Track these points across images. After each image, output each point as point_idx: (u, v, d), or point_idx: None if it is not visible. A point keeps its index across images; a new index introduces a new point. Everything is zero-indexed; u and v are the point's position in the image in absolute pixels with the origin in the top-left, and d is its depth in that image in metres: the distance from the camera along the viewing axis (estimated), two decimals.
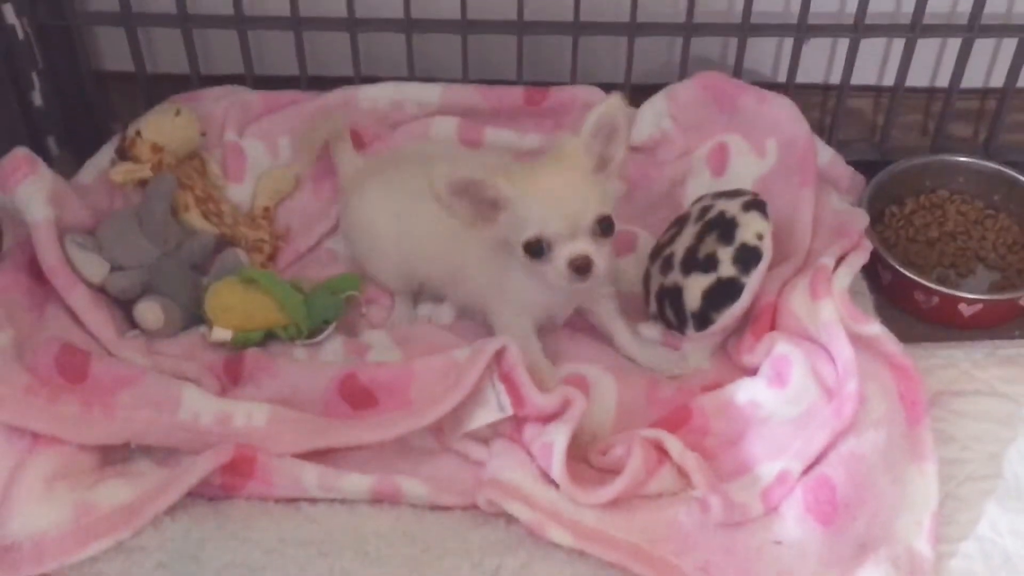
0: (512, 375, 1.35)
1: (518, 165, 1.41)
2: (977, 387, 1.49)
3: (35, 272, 1.47)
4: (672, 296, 1.49)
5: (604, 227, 1.36)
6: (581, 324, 1.56)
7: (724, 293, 1.45)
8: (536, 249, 1.36)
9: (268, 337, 1.53)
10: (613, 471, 1.32)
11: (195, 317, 1.54)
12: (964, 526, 1.34)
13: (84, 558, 1.24)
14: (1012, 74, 1.78)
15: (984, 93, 1.87)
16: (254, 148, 1.73)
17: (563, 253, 1.35)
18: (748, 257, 1.44)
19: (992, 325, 1.62)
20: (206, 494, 1.32)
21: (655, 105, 1.72)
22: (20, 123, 1.72)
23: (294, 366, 1.46)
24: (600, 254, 1.36)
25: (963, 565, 1.31)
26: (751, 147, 1.68)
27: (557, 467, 1.29)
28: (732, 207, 1.48)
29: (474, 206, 1.37)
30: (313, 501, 1.33)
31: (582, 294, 1.48)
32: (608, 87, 1.73)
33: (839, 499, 1.27)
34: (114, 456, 1.36)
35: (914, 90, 1.84)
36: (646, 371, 1.50)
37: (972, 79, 1.81)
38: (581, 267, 1.35)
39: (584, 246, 1.35)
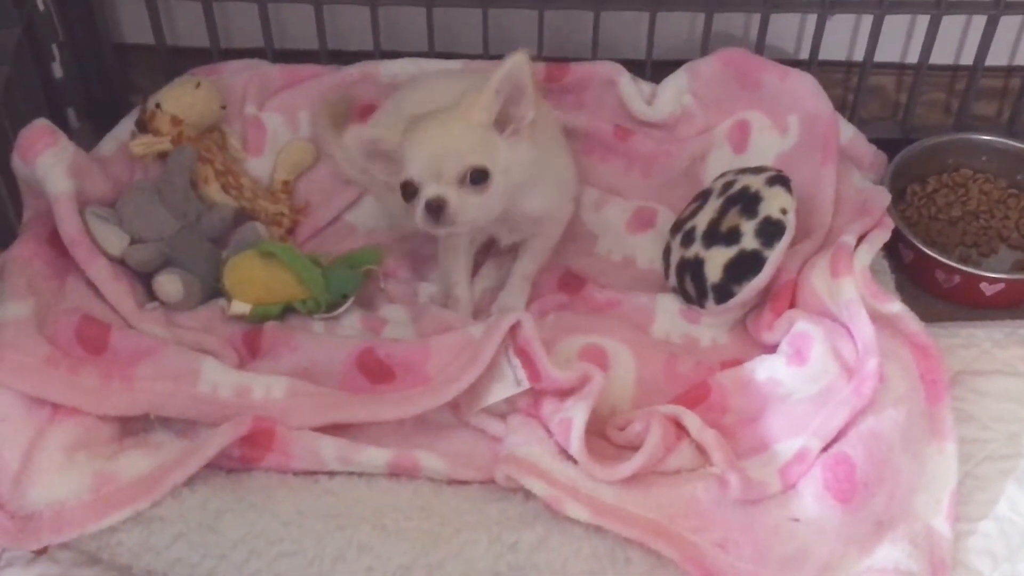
0: (528, 349, 1.35)
1: (419, 116, 1.43)
2: (998, 367, 1.48)
3: (56, 243, 1.47)
4: (693, 269, 1.49)
5: (475, 177, 1.37)
6: (599, 300, 1.55)
7: (746, 266, 1.44)
8: (408, 191, 1.39)
9: (287, 311, 1.53)
10: (631, 447, 1.32)
11: (214, 290, 1.54)
12: (983, 505, 1.34)
13: (103, 528, 1.24)
14: None
15: (1009, 71, 1.86)
16: (274, 122, 1.73)
17: (423, 195, 1.37)
18: (771, 230, 1.43)
19: (1014, 305, 1.61)
20: (225, 466, 1.32)
21: (676, 81, 1.71)
22: (40, 95, 1.72)
23: (312, 340, 1.46)
24: (466, 203, 1.37)
25: (981, 544, 1.31)
26: (773, 124, 1.67)
27: (576, 443, 1.29)
28: (756, 182, 1.48)
29: (386, 163, 1.42)
30: (331, 474, 1.33)
31: (513, 220, 1.49)
32: (629, 63, 1.73)
33: (858, 477, 1.26)
34: (133, 427, 1.36)
35: (938, 68, 1.83)
36: (664, 347, 1.50)
37: (997, 57, 1.80)
38: (433, 209, 1.37)
39: (442, 190, 1.37)
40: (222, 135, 1.69)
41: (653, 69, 1.79)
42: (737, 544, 1.25)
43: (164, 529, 1.25)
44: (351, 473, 1.33)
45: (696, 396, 1.40)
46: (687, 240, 1.52)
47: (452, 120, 1.40)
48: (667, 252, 1.57)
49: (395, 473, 1.33)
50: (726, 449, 1.31)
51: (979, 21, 1.75)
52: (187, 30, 1.84)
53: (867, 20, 1.76)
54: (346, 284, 1.54)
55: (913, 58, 1.80)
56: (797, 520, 1.26)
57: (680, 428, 1.34)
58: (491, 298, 1.59)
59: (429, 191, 1.37)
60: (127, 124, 1.67)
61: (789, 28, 1.83)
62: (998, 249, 1.71)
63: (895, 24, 1.78)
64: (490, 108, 1.39)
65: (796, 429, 1.33)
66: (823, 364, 1.37)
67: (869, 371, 1.31)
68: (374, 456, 1.32)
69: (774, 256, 1.44)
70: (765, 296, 1.49)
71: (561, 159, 1.56)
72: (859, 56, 1.80)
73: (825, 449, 1.30)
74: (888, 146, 1.73)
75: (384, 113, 1.65)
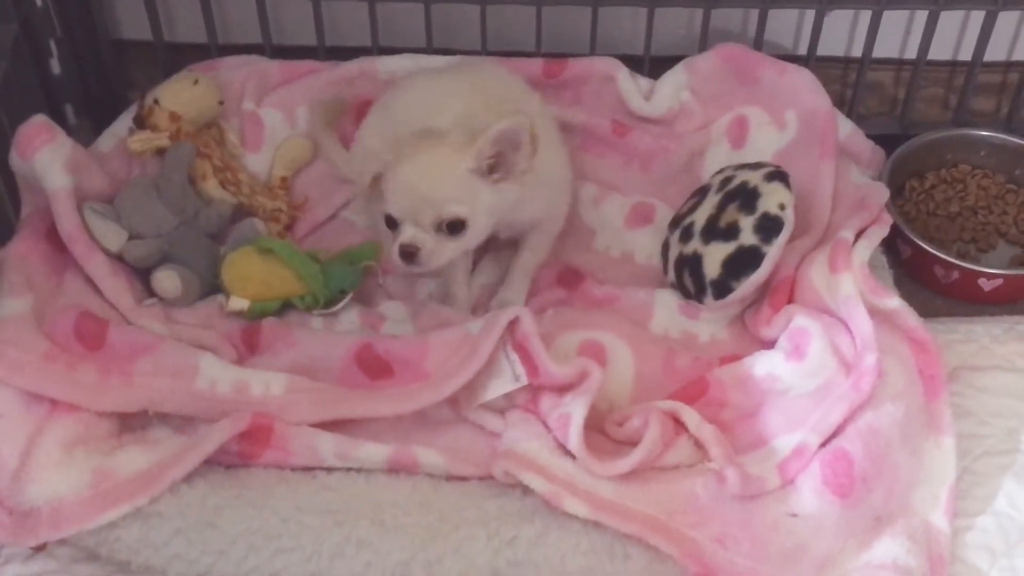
0: (526, 345, 1.35)
1: (415, 138, 1.43)
2: (996, 362, 1.48)
3: (54, 239, 1.47)
4: (691, 264, 1.49)
5: (451, 228, 1.39)
6: (597, 295, 1.55)
7: (744, 262, 1.45)
8: (390, 223, 1.41)
9: (285, 307, 1.53)
10: (630, 443, 1.32)
11: (212, 286, 1.54)
12: (981, 501, 1.34)
13: (102, 524, 1.25)
14: None
15: (1007, 66, 1.85)
16: (272, 117, 1.73)
17: (400, 236, 1.39)
18: (770, 226, 1.43)
19: (1012, 300, 1.61)
20: (223, 462, 1.32)
21: (674, 77, 1.71)
22: (38, 91, 1.72)
23: (311, 335, 1.46)
24: (440, 248, 1.39)
25: (980, 539, 1.31)
26: (771, 120, 1.67)
27: (574, 439, 1.29)
28: (754, 178, 1.48)
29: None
30: (330, 470, 1.33)
31: (507, 220, 1.49)
32: (628, 59, 1.73)
33: (856, 472, 1.26)
34: (132, 423, 1.36)
35: (936, 63, 1.83)
36: (663, 342, 1.50)
37: (995, 52, 1.80)
38: (406, 254, 1.39)
39: (416, 235, 1.38)
40: (220, 131, 1.69)
41: (651, 65, 1.79)
42: (735, 540, 1.25)
43: (163, 525, 1.25)
44: (350, 469, 1.33)
45: (694, 392, 1.40)
46: (686, 236, 1.52)
47: (437, 161, 1.39)
48: (666, 248, 1.57)
49: (394, 469, 1.34)
50: (724, 445, 1.31)
51: (977, 16, 1.75)
52: (185, 26, 1.84)
53: (865, 15, 1.76)
54: (344, 280, 1.54)
55: (911, 54, 1.80)
56: (795, 516, 1.26)
57: (678, 424, 1.34)
58: (490, 293, 1.59)
59: (405, 234, 1.39)
60: (125, 120, 1.67)
61: (787, 24, 1.82)
62: (996, 245, 1.71)
63: (893, 19, 1.78)
64: (482, 157, 1.39)
65: (794, 425, 1.33)
66: (821, 360, 1.37)
67: (867, 366, 1.31)
68: (373, 452, 1.32)
69: (773, 252, 1.44)
70: (764, 292, 1.49)
71: (554, 159, 1.55)
72: (857, 52, 1.80)
73: (823, 445, 1.30)
74: (886, 142, 1.73)
75: (372, 120, 1.64)
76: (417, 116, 1.49)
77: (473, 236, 1.43)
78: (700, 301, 1.51)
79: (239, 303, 1.49)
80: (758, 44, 1.77)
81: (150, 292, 1.52)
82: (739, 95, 1.70)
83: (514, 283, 1.57)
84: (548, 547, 1.24)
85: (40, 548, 1.27)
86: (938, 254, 1.60)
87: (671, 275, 1.55)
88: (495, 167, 1.40)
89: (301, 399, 1.36)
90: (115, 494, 1.26)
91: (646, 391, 1.42)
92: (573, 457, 1.30)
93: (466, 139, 1.39)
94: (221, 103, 1.68)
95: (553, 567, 1.24)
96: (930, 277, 1.62)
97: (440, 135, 1.42)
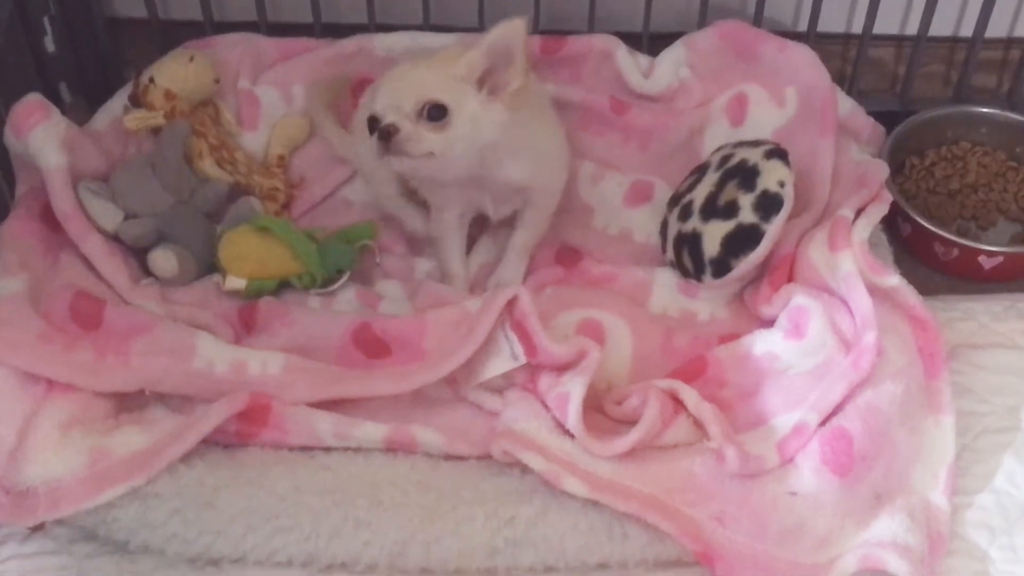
0: (524, 324, 1.34)
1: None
2: (996, 340, 1.48)
3: (49, 219, 1.46)
4: (690, 243, 1.49)
5: (432, 113, 1.37)
6: (596, 274, 1.55)
7: (744, 240, 1.44)
8: (372, 126, 1.39)
9: (282, 286, 1.52)
10: (628, 422, 1.32)
11: (209, 265, 1.53)
12: (980, 478, 1.34)
13: (99, 504, 1.24)
14: None
15: (1008, 43, 1.85)
16: (268, 96, 1.72)
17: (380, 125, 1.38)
18: (769, 204, 1.43)
19: (1012, 278, 1.61)
20: (221, 442, 1.32)
21: (673, 54, 1.70)
22: (32, 69, 1.71)
23: (308, 315, 1.46)
24: (419, 134, 1.37)
25: (979, 517, 1.31)
26: (770, 96, 1.66)
27: (573, 418, 1.28)
28: (754, 155, 1.47)
29: None
30: (328, 450, 1.33)
31: (495, 188, 1.49)
32: (626, 36, 1.72)
33: (855, 451, 1.26)
34: (129, 403, 1.36)
35: (937, 39, 1.82)
36: (662, 321, 1.49)
37: (996, 29, 1.79)
38: (384, 134, 1.36)
39: (395, 118, 1.37)
40: (216, 109, 1.68)
41: (650, 42, 1.78)
42: (735, 518, 1.25)
43: (160, 505, 1.25)
44: (348, 449, 1.33)
45: (693, 370, 1.40)
46: (685, 214, 1.51)
47: (425, 65, 1.41)
48: (664, 226, 1.57)
49: (392, 448, 1.33)
50: (723, 423, 1.30)
51: None
52: (180, 3, 1.83)
53: None
54: (342, 259, 1.53)
55: (912, 30, 1.79)
56: (794, 494, 1.26)
57: (677, 402, 1.33)
58: (488, 272, 1.58)
59: (385, 119, 1.37)
60: (120, 98, 1.66)
61: (786, 0, 1.81)
62: (997, 222, 1.70)
63: None
64: (472, 67, 1.38)
65: (794, 403, 1.33)
66: (821, 338, 1.36)
67: (867, 345, 1.31)
68: (371, 431, 1.32)
69: (772, 230, 1.43)
70: (763, 270, 1.49)
71: (546, 132, 1.54)
72: (858, 28, 1.79)
73: (823, 423, 1.29)
74: (887, 118, 1.72)
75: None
76: None
77: (454, 138, 1.38)
78: (699, 279, 1.50)
79: (236, 282, 1.49)
80: (757, 20, 1.76)
81: (146, 272, 1.52)
82: (738, 72, 1.69)
83: (512, 262, 1.56)
84: (547, 526, 1.24)
85: (37, 528, 1.28)
86: (938, 232, 1.59)
87: (670, 253, 1.54)
88: (486, 82, 1.39)
89: (299, 378, 1.35)
90: (112, 474, 1.25)
91: (645, 370, 1.42)
92: (572, 436, 1.29)
93: (460, 51, 1.39)
94: (217, 81, 1.68)
95: (552, 546, 1.24)
96: (930, 255, 1.62)
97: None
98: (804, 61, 1.64)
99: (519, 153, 1.45)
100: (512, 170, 1.47)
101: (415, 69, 1.42)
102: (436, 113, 1.37)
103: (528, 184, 1.52)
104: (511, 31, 1.36)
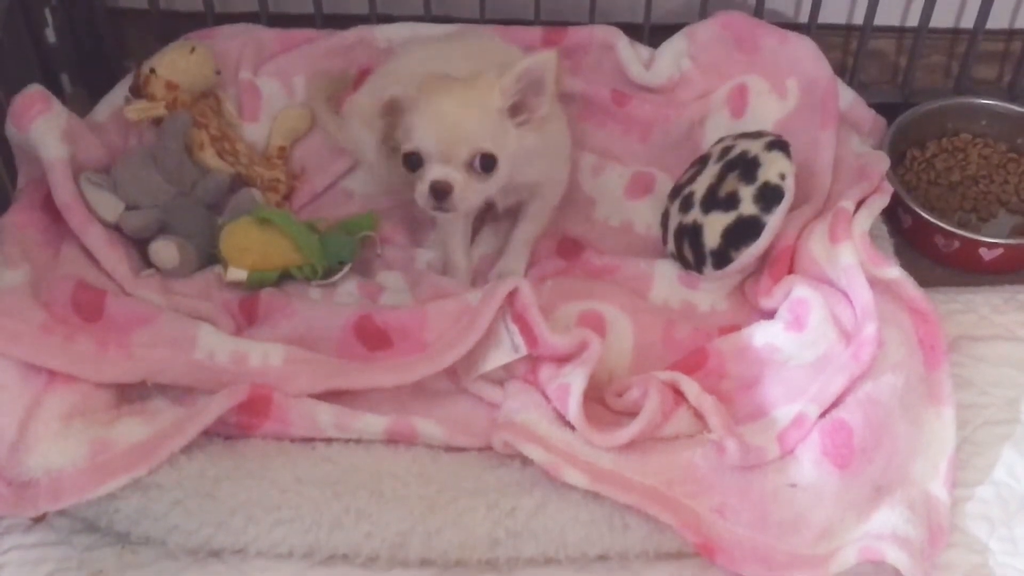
0: (525, 315, 1.34)
1: (441, 77, 1.42)
2: (996, 332, 1.48)
3: (50, 210, 1.46)
4: (691, 234, 1.49)
5: (484, 164, 1.37)
6: (597, 265, 1.55)
7: (744, 231, 1.44)
8: (412, 161, 1.38)
9: (283, 277, 1.52)
10: (629, 413, 1.32)
11: (210, 257, 1.53)
12: (981, 470, 1.35)
13: (101, 495, 1.24)
14: None
15: (1009, 35, 1.85)
16: (269, 87, 1.72)
17: (429, 174, 1.37)
18: (770, 196, 1.43)
19: (1013, 270, 1.61)
20: (222, 433, 1.32)
21: (674, 45, 1.70)
22: (33, 60, 1.71)
23: (309, 306, 1.45)
24: (470, 187, 1.37)
25: (979, 509, 1.31)
26: (771, 88, 1.66)
27: (574, 409, 1.29)
28: (755, 147, 1.47)
29: (390, 120, 1.42)
30: (329, 441, 1.33)
31: (508, 186, 1.48)
32: (627, 27, 1.72)
33: (856, 443, 1.26)
34: (130, 394, 1.36)
35: (938, 31, 1.82)
36: (663, 312, 1.50)
37: (997, 20, 1.79)
38: (439, 192, 1.36)
39: (449, 173, 1.36)
40: (217, 100, 1.68)
41: (651, 33, 1.78)
42: (735, 510, 1.25)
43: (162, 496, 1.25)
44: (348, 440, 1.33)
45: (694, 362, 1.40)
46: (685, 205, 1.51)
47: (470, 100, 1.38)
48: (665, 217, 1.57)
49: (393, 440, 1.33)
50: (724, 415, 1.30)
51: None
52: None
53: None
54: (343, 250, 1.53)
55: (913, 21, 1.79)
56: (795, 486, 1.26)
57: (678, 394, 1.34)
58: (490, 263, 1.58)
59: (436, 172, 1.37)
60: (121, 89, 1.66)
61: None
62: (997, 214, 1.70)
63: None
64: (508, 95, 1.38)
65: (794, 395, 1.33)
66: (821, 330, 1.37)
67: (867, 336, 1.31)
68: (372, 423, 1.32)
69: (773, 221, 1.43)
70: (763, 262, 1.48)
71: (555, 127, 1.54)
72: (859, 19, 1.79)
73: (823, 415, 1.30)
74: (888, 110, 1.72)
75: (367, 89, 1.63)
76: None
77: (498, 179, 1.40)
78: (700, 271, 1.50)
79: (237, 274, 1.49)
80: (759, 12, 1.75)
81: (147, 263, 1.51)
82: (739, 63, 1.69)
83: (513, 253, 1.56)
84: (547, 518, 1.24)
85: (39, 519, 1.28)
86: (939, 223, 1.59)
87: (671, 245, 1.54)
88: (517, 111, 1.39)
89: (300, 370, 1.35)
90: (114, 465, 1.26)
91: (645, 361, 1.42)
92: (572, 428, 1.30)
93: (496, 78, 1.38)
94: (218, 72, 1.67)
95: (552, 538, 1.24)
96: (931, 246, 1.62)
97: (469, 75, 1.40)
98: (805, 53, 1.64)
99: (535, 156, 1.46)
100: (529, 172, 1.48)
101: (461, 106, 1.38)
102: (487, 164, 1.37)
103: (540, 180, 1.52)
104: (544, 62, 1.38)
